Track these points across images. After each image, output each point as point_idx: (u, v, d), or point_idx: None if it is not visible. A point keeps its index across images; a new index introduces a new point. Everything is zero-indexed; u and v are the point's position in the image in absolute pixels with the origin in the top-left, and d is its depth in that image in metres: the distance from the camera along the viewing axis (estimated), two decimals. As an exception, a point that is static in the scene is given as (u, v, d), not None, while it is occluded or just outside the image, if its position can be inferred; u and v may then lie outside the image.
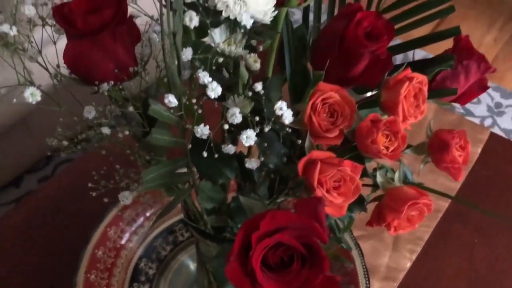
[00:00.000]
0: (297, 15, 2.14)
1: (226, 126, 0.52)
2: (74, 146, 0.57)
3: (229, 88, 0.66)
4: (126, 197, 0.60)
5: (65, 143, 0.58)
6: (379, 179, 0.57)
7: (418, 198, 0.54)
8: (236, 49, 0.60)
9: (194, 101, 0.51)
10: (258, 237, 0.43)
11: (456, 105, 0.76)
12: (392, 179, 0.58)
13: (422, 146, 0.59)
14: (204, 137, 0.52)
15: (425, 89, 0.55)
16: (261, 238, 0.43)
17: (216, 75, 0.61)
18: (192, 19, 0.51)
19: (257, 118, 0.54)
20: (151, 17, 0.61)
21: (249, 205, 0.52)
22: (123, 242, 1.04)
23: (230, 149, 0.53)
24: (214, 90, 0.51)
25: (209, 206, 0.73)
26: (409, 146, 0.61)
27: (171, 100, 0.50)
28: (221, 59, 0.62)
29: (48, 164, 1.88)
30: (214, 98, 0.52)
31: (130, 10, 0.56)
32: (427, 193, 0.56)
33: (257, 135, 0.58)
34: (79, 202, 1.03)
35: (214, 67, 0.62)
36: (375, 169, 0.70)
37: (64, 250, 1.01)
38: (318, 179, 0.50)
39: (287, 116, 0.51)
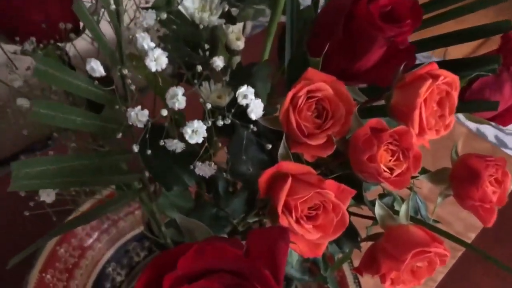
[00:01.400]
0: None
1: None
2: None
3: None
4: (47, 194, 0.45)
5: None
6: (378, 211, 0.40)
7: (428, 244, 0.38)
8: (210, 17, 0.45)
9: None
10: (172, 283, 0.27)
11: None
12: (397, 213, 0.41)
13: (442, 174, 0.42)
14: (139, 124, 0.36)
15: (455, 94, 0.38)
16: (177, 285, 0.28)
17: (178, 47, 0.46)
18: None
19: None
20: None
21: (188, 227, 0.36)
22: (90, 241, 0.89)
23: (174, 145, 0.37)
24: (157, 60, 0.35)
25: (173, 216, 0.57)
26: (425, 171, 0.44)
27: (94, 66, 0.34)
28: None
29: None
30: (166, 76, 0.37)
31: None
32: (441, 239, 0.39)
33: (226, 133, 0.43)
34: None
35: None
36: (381, 196, 0.54)
37: (20, 244, 0.87)
38: (286, 202, 0.34)
39: (254, 109, 0.35)
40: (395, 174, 0.35)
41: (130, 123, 0.36)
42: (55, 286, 0.84)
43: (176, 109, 0.34)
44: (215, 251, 0.29)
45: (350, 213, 0.49)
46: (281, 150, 0.37)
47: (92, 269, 0.87)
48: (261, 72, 0.49)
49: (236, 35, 0.48)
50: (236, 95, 0.35)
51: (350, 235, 0.49)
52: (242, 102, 0.35)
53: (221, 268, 0.29)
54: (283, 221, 0.34)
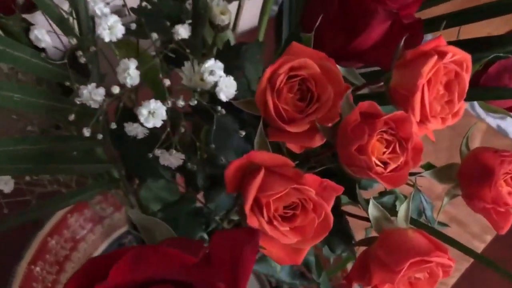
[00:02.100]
0: None
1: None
2: None
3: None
4: (5, 182, 0.40)
5: None
6: (372, 211, 0.34)
7: (429, 253, 0.31)
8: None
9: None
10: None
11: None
12: (395, 214, 0.35)
13: (449, 170, 0.36)
14: (94, 104, 0.31)
15: (466, 76, 0.32)
16: (107, 297, 0.22)
17: (154, 21, 0.40)
18: None
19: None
20: None
21: (145, 226, 0.31)
22: (83, 233, 0.85)
23: (134, 129, 0.32)
24: (111, 29, 0.29)
25: (156, 208, 0.52)
26: (430, 167, 0.38)
27: (38, 35, 0.29)
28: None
29: None
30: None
31: None
32: (445, 246, 0.33)
33: (204, 118, 0.37)
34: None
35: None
36: (381, 194, 0.48)
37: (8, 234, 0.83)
38: (256, 199, 0.28)
39: (224, 88, 0.30)
40: (389, 168, 0.29)
41: (79, 102, 0.30)
42: (45, 280, 0.80)
43: (129, 85, 0.29)
44: (158, 257, 0.23)
45: (346, 213, 0.44)
46: (257, 138, 0.31)
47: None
48: (251, 52, 0.43)
49: (221, 9, 0.43)
50: (201, 71, 0.29)
51: (344, 237, 0.43)
52: (209, 79, 0.29)
53: (163, 277, 0.23)
54: (252, 222, 0.28)
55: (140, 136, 0.32)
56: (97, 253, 0.83)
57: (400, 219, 0.35)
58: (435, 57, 0.29)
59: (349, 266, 0.69)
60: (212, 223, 0.47)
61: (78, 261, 0.83)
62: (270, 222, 0.29)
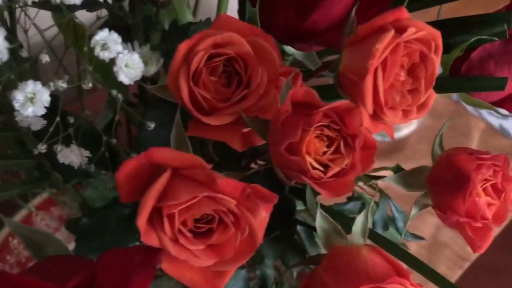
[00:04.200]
0: None
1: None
2: None
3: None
4: None
5: None
6: (319, 223, 0.28)
7: (384, 278, 0.25)
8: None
9: None
10: None
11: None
12: (350, 228, 0.28)
13: (418, 175, 0.29)
14: None
15: (436, 59, 0.25)
16: None
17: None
18: None
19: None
20: None
21: (33, 239, 0.25)
22: (50, 232, 0.79)
23: (25, 120, 0.25)
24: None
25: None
26: (399, 170, 0.32)
27: None
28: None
29: None
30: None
31: None
32: (407, 270, 0.26)
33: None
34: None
35: None
36: (349, 198, 0.41)
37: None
38: (157, 210, 0.22)
39: (123, 68, 0.23)
40: (330, 173, 0.23)
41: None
42: (4, 282, 0.74)
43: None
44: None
45: (300, 223, 0.37)
46: (173, 132, 0.25)
47: (50, 263, 0.77)
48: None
49: (160, -18, 0.36)
50: (91, 45, 0.23)
51: (298, 249, 0.36)
52: (102, 55, 0.23)
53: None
54: (149, 239, 0.22)
55: (35, 127, 0.26)
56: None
57: (356, 233, 0.28)
58: (392, 32, 0.23)
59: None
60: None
61: (42, 262, 0.77)
62: (174, 239, 0.22)
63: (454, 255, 0.81)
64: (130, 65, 0.23)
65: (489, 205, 0.27)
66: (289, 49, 0.34)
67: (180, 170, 0.23)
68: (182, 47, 0.24)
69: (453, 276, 0.78)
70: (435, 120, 0.83)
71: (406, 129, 0.86)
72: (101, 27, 0.41)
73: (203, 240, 0.23)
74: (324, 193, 0.23)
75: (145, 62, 0.35)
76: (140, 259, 0.21)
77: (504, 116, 0.35)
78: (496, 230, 0.40)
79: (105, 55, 0.23)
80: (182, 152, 0.23)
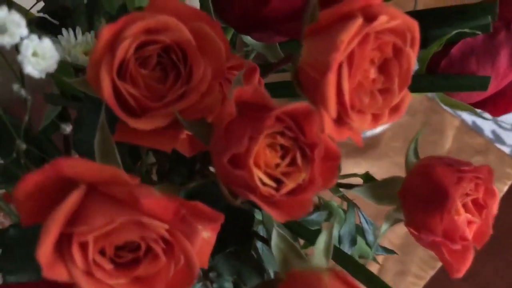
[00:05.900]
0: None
1: None
2: None
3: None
4: None
5: None
6: (275, 242, 0.23)
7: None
8: None
9: None
10: None
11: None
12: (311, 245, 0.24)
13: (390, 186, 0.25)
14: None
15: (412, 53, 0.21)
16: None
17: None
18: None
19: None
20: None
21: None
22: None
23: None
24: None
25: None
26: (369, 179, 0.28)
27: None
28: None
29: None
30: None
31: None
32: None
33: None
34: None
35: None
36: (316, 208, 0.37)
37: None
38: (65, 236, 0.17)
39: (29, 57, 0.18)
40: (285, 190, 0.19)
41: None
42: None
43: None
44: None
45: (259, 237, 0.33)
46: (97, 136, 0.20)
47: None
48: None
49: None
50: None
51: (257, 267, 0.32)
52: (1, 40, 0.18)
53: None
54: (55, 273, 0.17)
55: None
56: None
57: (318, 254, 0.24)
58: (360, 20, 0.19)
59: None
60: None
61: None
62: (89, 272, 0.18)
63: (426, 255, 0.78)
64: (39, 54, 0.19)
65: (469, 223, 0.23)
66: (247, 39, 0.30)
67: (98, 186, 0.18)
68: (106, 32, 0.19)
69: (425, 276, 0.76)
70: (409, 118, 0.80)
71: (379, 127, 0.83)
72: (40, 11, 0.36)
73: (126, 273, 0.18)
74: (276, 215, 0.18)
75: (87, 52, 0.30)
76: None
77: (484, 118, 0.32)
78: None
79: (4, 41, 0.18)
80: (99, 163, 0.18)
